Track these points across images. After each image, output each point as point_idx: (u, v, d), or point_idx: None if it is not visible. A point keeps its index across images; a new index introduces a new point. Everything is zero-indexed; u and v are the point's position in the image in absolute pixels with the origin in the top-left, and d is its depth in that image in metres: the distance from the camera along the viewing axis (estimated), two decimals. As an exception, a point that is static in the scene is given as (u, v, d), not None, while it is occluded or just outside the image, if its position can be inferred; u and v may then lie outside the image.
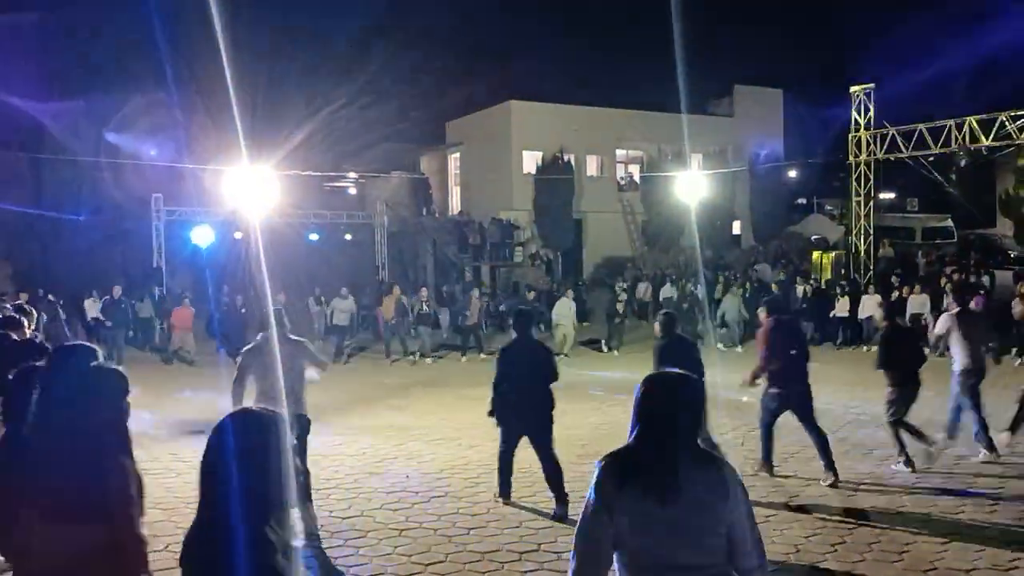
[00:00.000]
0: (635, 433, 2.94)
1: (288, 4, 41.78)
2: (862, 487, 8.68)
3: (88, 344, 3.90)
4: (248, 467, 2.38)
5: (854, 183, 27.90)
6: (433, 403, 14.66)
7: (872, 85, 27.27)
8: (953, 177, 40.34)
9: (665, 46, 24.82)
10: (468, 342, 21.89)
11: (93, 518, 3.06)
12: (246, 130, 23.15)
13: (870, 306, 19.87)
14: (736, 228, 39.78)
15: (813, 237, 37.10)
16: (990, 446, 9.53)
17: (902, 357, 9.37)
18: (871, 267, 27.58)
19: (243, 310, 21.17)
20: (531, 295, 25.01)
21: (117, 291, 20.35)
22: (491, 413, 8.43)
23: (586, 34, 65.76)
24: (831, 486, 8.62)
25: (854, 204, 28.18)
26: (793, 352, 8.94)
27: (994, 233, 36.63)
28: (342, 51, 34.11)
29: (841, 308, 22.42)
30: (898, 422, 9.32)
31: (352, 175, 37.42)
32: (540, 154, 36.70)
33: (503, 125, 38.05)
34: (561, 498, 7.96)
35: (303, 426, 7.59)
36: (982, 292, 20.24)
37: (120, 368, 3.56)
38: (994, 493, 8.33)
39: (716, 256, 34.58)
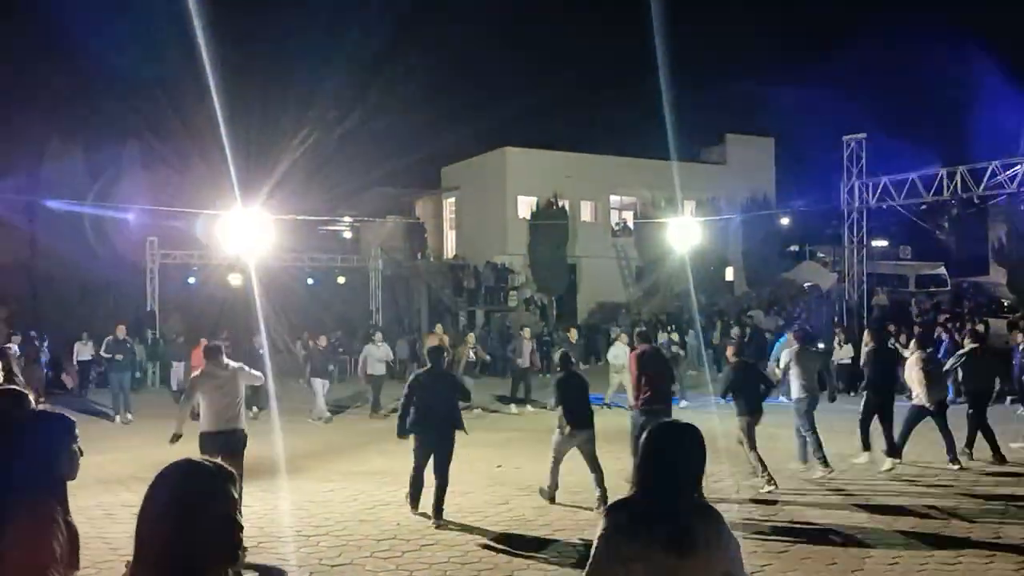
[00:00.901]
0: (644, 482, 2.94)
1: (284, 50, 42.24)
2: (858, 535, 8.58)
3: (13, 389, 3.79)
4: (185, 520, 2.25)
5: (847, 230, 28.03)
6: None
7: (864, 135, 27.51)
8: (946, 225, 40.60)
9: (658, 95, 25.15)
10: (518, 391, 19.18)
11: None
12: (241, 174, 23.25)
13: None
14: (729, 274, 39.89)
15: (806, 284, 37.20)
16: (825, 463, 11.14)
17: (750, 389, 10.92)
18: (864, 315, 27.58)
19: (228, 347, 21.14)
20: (572, 334, 22.92)
21: (121, 331, 18.88)
22: (401, 435, 9.64)
23: (581, 82, 66.48)
24: None
25: (847, 251, 28.28)
26: (661, 379, 10.70)
27: (987, 281, 36.78)
28: (338, 96, 34.34)
29: (843, 355, 22.30)
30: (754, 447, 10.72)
31: (347, 219, 37.53)
32: (535, 199, 36.92)
33: (498, 170, 38.30)
34: (439, 513, 9.25)
35: (241, 439, 8.85)
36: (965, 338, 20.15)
37: (59, 412, 3.40)
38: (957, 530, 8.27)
39: (709, 302, 34.61)
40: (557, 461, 10.06)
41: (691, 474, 2.94)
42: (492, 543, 8.46)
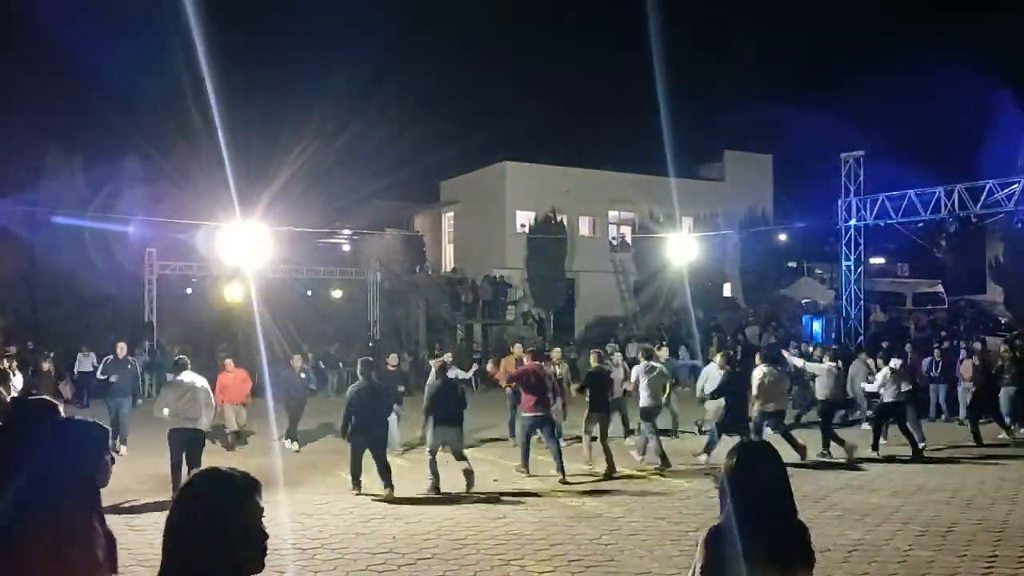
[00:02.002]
0: (739, 506, 2.93)
1: (284, 63, 42.36)
2: (854, 553, 8.58)
3: (46, 399, 3.81)
4: (214, 531, 2.27)
5: (844, 248, 28.08)
6: (423, 461, 14.46)
7: (862, 152, 27.60)
8: (943, 243, 40.66)
9: (658, 112, 25.26)
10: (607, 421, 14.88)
11: (48, 559, 2.95)
12: (240, 186, 23.30)
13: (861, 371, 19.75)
14: (727, 290, 39.94)
15: (803, 301, 37.23)
16: (664, 462, 13.25)
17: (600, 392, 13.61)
18: (861, 332, 27.61)
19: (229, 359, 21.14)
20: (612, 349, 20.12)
21: (122, 348, 16.25)
22: (344, 434, 11.81)
23: (580, 98, 66.69)
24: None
25: (844, 269, 28.32)
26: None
27: (984, 299, 36.82)
28: (338, 109, 34.47)
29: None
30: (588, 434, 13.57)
31: (346, 232, 37.59)
32: (533, 214, 36.99)
33: (497, 185, 38.39)
34: (388, 485, 11.40)
35: (199, 439, 11.36)
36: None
37: (92, 421, 3.44)
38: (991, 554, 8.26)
39: (707, 318, 34.63)
40: (432, 453, 11.89)
41: (782, 492, 2.95)
42: (488, 557, 8.46)
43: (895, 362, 15.35)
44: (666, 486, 12.06)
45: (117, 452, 14.12)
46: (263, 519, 2.37)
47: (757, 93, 63.94)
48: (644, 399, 14.05)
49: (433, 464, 11.70)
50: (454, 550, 8.76)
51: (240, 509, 2.33)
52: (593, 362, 14.27)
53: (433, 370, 12.71)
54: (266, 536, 2.36)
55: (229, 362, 16.72)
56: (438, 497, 11.39)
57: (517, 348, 17.73)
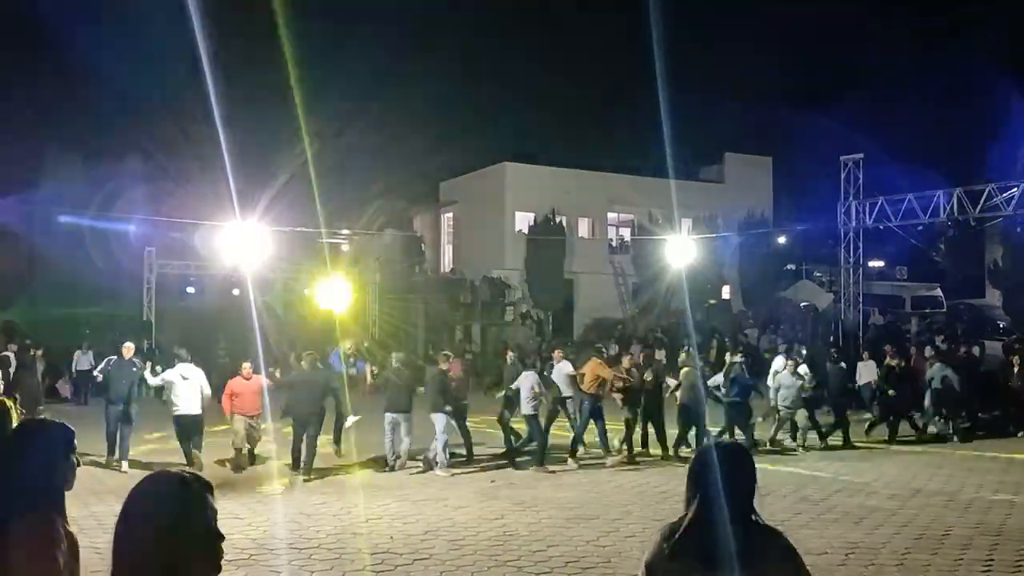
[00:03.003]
0: (691, 504, 2.90)
1: (284, 64, 42.29)
2: (852, 556, 8.58)
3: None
4: (168, 535, 2.23)
5: (843, 251, 28.08)
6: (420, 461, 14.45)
7: (861, 155, 27.61)
8: (942, 247, 40.67)
9: (658, 113, 25.19)
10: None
11: None
12: (240, 187, 23.28)
13: (867, 372, 19.78)
14: (725, 293, 39.93)
15: (802, 304, 37.22)
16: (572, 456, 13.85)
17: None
18: (860, 335, 27.60)
19: (226, 359, 21.12)
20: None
21: (128, 350, 14.35)
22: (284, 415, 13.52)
23: (580, 99, 66.73)
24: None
25: (843, 272, 28.33)
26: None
27: (983, 303, 36.82)
28: (338, 110, 34.42)
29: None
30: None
31: (345, 232, 37.56)
32: (532, 215, 36.99)
33: (497, 186, 38.39)
34: (296, 466, 12.90)
35: (200, 423, 13.34)
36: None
37: (54, 421, 3.39)
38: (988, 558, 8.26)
39: (706, 320, 34.62)
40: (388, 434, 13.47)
41: (739, 493, 2.88)
42: (485, 558, 8.45)
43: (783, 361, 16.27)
44: (663, 488, 12.05)
45: (120, 469, 13.03)
46: (215, 521, 2.33)
47: (758, 95, 64.01)
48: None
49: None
50: (451, 551, 8.76)
51: (193, 510, 2.28)
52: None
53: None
54: (220, 538, 2.32)
55: (247, 367, 14.05)
56: (435, 498, 11.38)
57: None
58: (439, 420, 13.29)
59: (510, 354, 16.48)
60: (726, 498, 2.86)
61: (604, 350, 16.40)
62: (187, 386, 13.22)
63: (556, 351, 15.93)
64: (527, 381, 14.00)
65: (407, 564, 8.28)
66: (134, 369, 14.15)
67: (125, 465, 13.20)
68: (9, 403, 3.73)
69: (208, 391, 13.60)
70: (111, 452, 13.49)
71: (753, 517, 2.91)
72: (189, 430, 13.20)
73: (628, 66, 62.79)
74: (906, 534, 9.35)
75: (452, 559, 8.46)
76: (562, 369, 14.86)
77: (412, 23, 49.93)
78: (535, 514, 10.34)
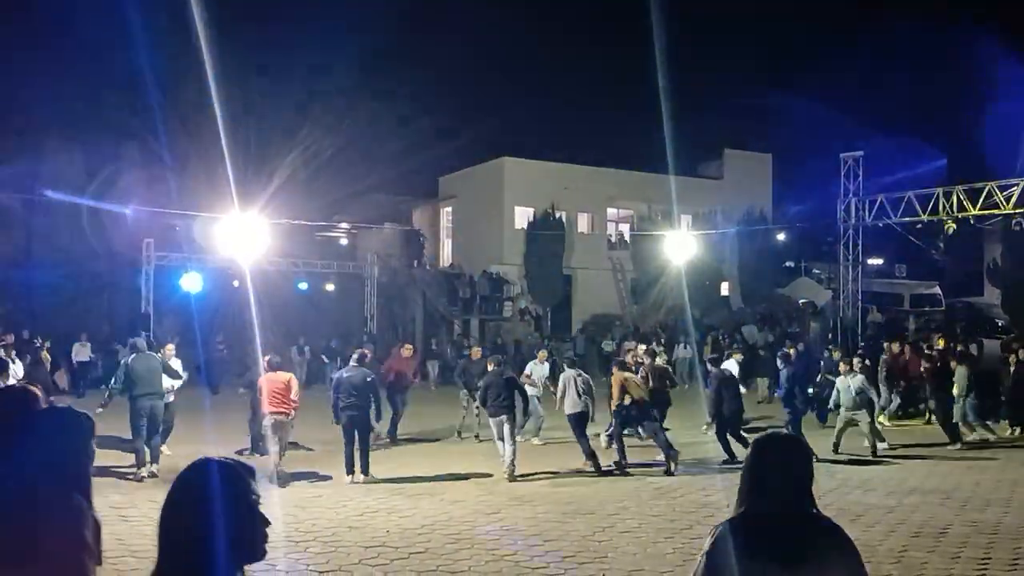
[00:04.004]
0: (748, 497, 2.87)
1: (283, 56, 42.25)
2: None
3: (27, 387, 3.85)
4: (221, 519, 2.27)
5: (842, 248, 28.06)
6: (418, 455, 14.47)
7: (861, 152, 27.57)
8: (941, 245, 40.64)
9: (657, 109, 25.20)
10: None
11: (29, 559, 2.97)
12: (238, 178, 23.24)
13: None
14: (724, 289, 39.91)
15: (801, 301, 37.20)
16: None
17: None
18: (859, 332, 27.59)
19: (224, 351, 21.11)
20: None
21: (170, 351, 14.12)
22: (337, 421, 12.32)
23: (580, 94, 66.65)
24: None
25: (842, 269, 28.31)
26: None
27: (982, 301, 36.81)
28: (337, 102, 34.38)
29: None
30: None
31: (344, 225, 37.55)
32: (532, 210, 36.96)
33: (496, 180, 38.34)
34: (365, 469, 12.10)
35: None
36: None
37: (75, 409, 3.44)
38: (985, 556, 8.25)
39: (704, 317, 34.61)
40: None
41: (797, 486, 2.84)
42: (482, 552, 8.44)
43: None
44: (660, 484, 12.04)
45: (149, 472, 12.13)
46: (259, 505, 2.37)
47: (758, 91, 63.93)
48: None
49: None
50: (447, 544, 8.74)
51: (242, 495, 2.33)
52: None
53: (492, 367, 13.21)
54: (267, 523, 2.36)
55: (267, 359, 12.97)
56: (432, 493, 11.37)
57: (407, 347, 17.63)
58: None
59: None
60: (782, 491, 2.82)
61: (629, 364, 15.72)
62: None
63: (542, 352, 16.96)
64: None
65: (403, 558, 8.26)
66: (153, 361, 13.06)
67: (154, 468, 12.32)
68: (35, 390, 3.83)
69: (174, 381, 13.40)
70: (141, 463, 12.27)
71: (814, 511, 2.86)
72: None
73: (629, 61, 62.77)
74: (903, 532, 9.34)
75: (448, 553, 8.44)
76: (543, 371, 15.69)
77: (413, 15, 49.83)
78: (532, 509, 10.33)
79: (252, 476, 2.41)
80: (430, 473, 12.77)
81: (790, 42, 67.18)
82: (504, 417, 12.48)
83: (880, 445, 14.63)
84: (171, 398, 13.63)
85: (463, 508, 10.31)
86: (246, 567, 2.39)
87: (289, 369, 14.10)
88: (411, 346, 18.26)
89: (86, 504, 3.22)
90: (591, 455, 12.93)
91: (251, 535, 2.35)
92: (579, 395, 13.39)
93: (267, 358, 12.79)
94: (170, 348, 14.19)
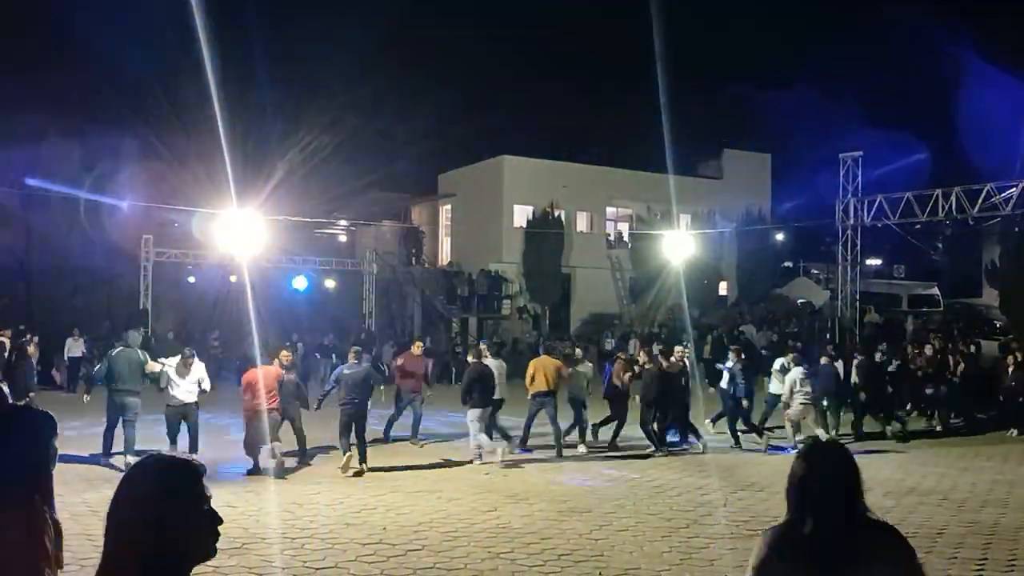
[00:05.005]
0: (798, 504, 2.86)
1: (283, 54, 42.24)
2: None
3: None
4: (171, 518, 2.21)
5: (841, 248, 28.07)
6: (415, 453, 14.46)
7: (860, 152, 27.58)
8: (940, 246, 40.67)
9: (657, 108, 25.22)
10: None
11: None
12: (238, 175, 23.21)
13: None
14: (723, 289, 39.93)
15: (799, 301, 37.22)
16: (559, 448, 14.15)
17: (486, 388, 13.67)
18: (856, 332, 27.61)
19: (219, 349, 21.06)
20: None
21: (136, 336, 14.13)
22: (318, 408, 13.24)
23: (580, 93, 66.58)
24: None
25: (840, 269, 28.32)
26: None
27: (980, 303, 36.84)
28: (336, 99, 34.35)
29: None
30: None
31: (343, 222, 37.52)
32: (531, 209, 36.93)
33: (495, 179, 38.31)
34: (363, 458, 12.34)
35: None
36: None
37: (37, 409, 3.37)
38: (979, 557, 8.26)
39: (703, 316, 34.62)
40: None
41: (843, 493, 2.84)
42: (478, 550, 8.44)
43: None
44: (657, 483, 12.05)
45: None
46: (208, 503, 2.31)
47: (758, 91, 63.86)
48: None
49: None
50: (444, 542, 8.74)
51: (193, 493, 2.27)
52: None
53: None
54: (217, 520, 2.30)
55: (285, 355, 13.35)
56: (429, 490, 11.37)
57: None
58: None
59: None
60: (830, 498, 2.81)
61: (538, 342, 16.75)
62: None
63: (579, 352, 17.20)
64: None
65: (400, 555, 8.26)
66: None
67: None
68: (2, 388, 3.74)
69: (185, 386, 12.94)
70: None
71: (868, 514, 2.86)
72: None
73: (628, 60, 62.74)
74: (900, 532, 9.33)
75: (445, 550, 8.44)
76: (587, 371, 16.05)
77: (413, 12, 49.83)
78: (528, 507, 10.32)
79: (200, 473, 2.35)
80: (427, 470, 12.78)
81: (790, 41, 67.19)
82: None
83: (797, 437, 14.75)
84: (192, 398, 12.80)
85: (460, 506, 10.31)
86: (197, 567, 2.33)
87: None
88: (421, 343, 17.17)
89: (45, 508, 3.13)
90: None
91: (208, 533, 2.30)
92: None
93: (282, 350, 13.56)
94: (191, 361, 13.02)
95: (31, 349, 20.67)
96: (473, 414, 13.34)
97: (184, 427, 12.74)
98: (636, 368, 15.42)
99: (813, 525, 2.80)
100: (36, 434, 3.18)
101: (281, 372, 12.90)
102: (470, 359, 14.58)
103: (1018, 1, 42.59)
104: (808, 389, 15.09)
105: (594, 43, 63.48)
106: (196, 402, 13.01)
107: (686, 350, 16.67)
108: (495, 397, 14.04)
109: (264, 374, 12.44)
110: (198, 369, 13.01)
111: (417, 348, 16.13)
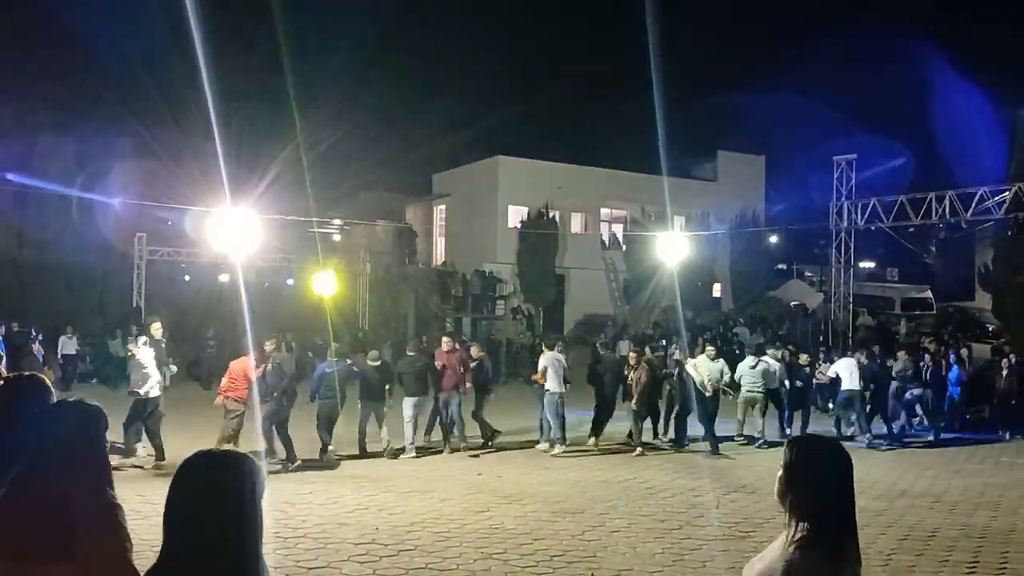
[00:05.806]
0: (825, 511, 2.66)
1: (279, 52, 42.17)
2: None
3: (37, 377, 3.79)
4: (219, 513, 2.25)
5: (834, 251, 28.12)
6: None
7: (854, 155, 27.64)
8: (933, 249, 40.78)
9: (652, 110, 25.23)
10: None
11: (59, 557, 2.92)
12: (232, 173, 23.16)
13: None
14: (716, 291, 39.98)
15: (792, 303, 37.28)
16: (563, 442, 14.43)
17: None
18: (849, 335, 27.65)
19: (214, 348, 21.06)
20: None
21: (157, 329, 13.26)
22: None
23: (575, 95, 66.67)
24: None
25: (833, 272, 28.37)
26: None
27: (972, 306, 36.95)
28: (332, 99, 34.34)
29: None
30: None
31: (337, 222, 37.47)
32: (525, 209, 36.96)
33: (490, 179, 38.33)
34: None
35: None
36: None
37: (88, 402, 3.40)
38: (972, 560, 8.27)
39: (696, 317, 34.65)
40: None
41: (848, 495, 2.69)
42: (471, 550, 8.43)
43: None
44: (650, 484, 12.05)
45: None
46: (261, 498, 2.35)
47: (752, 94, 63.94)
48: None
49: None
50: (437, 542, 8.73)
51: (241, 488, 2.32)
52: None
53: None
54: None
55: (269, 346, 13.46)
56: (422, 491, 11.35)
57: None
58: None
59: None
60: (838, 503, 2.68)
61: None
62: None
63: (710, 348, 16.67)
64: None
65: (392, 555, 8.25)
66: (161, 346, 13.25)
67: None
68: (47, 379, 3.77)
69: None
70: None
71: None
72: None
73: (623, 62, 62.83)
74: (891, 535, 9.36)
75: (438, 551, 8.43)
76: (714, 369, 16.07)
77: (407, 13, 49.84)
78: (521, 507, 10.32)
79: (258, 470, 2.40)
80: (420, 471, 12.77)
81: (785, 44, 67.35)
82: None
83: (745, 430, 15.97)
84: (155, 392, 12.49)
85: (453, 506, 10.30)
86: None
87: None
88: (448, 339, 15.52)
89: (114, 495, 3.20)
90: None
91: (248, 525, 2.33)
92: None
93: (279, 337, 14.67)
94: (156, 327, 13.08)
95: (35, 347, 20.69)
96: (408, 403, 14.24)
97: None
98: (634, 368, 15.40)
99: (843, 528, 2.65)
100: (97, 426, 3.27)
101: (250, 363, 12.55)
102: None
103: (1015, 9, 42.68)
104: (756, 380, 15.76)
105: (589, 45, 63.60)
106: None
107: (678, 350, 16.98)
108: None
109: (236, 363, 12.75)
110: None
111: (445, 344, 15.02)
